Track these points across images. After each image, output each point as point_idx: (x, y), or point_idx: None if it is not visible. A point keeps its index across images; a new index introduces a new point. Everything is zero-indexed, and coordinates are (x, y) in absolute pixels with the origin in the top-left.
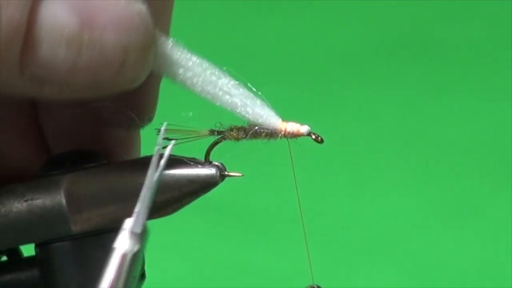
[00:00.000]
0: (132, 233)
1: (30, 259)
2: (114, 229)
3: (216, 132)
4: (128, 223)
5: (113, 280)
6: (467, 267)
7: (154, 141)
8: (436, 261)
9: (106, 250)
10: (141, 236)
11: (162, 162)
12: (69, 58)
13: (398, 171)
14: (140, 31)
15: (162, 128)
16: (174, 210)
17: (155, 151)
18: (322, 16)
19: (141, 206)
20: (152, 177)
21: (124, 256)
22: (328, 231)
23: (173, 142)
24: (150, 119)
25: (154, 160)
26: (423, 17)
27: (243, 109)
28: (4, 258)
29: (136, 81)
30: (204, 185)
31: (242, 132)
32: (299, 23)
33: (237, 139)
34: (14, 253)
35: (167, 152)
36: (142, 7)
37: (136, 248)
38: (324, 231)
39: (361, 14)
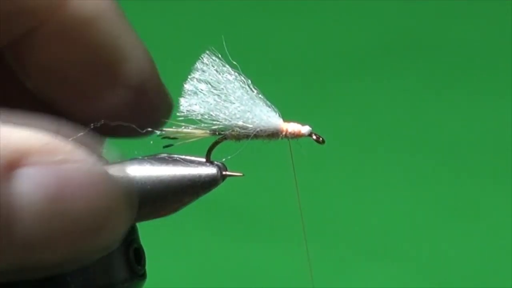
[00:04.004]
0: None
1: None
2: None
3: (217, 132)
4: None
5: None
6: (467, 267)
7: (156, 141)
8: (436, 261)
9: None
10: None
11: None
12: (44, 232)
13: (398, 171)
14: (107, 193)
15: None
16: (175, 210)
17: None
18: (322, 16)
19: None
20: None
21: None
22: (328, 231)
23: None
24: (169, 111)
25: None
26: (423, 16)
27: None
28: None
29: (116, 239)
30: (205, 185)
31: (243, 132)
32: (300, 23)
33: (238, 139)
34: None
35: None
36: (101, 167)
37: None
38: (324, 231)
39: (362, 14)
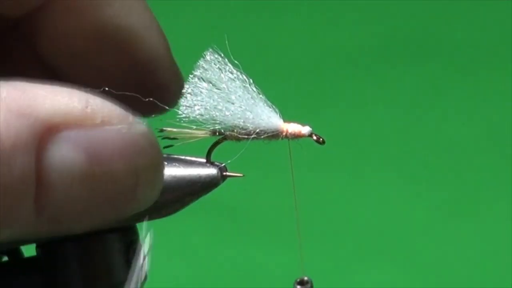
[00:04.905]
0: None
1: (31, 259)
2: (116, 229)
3: (217, 133)
4: None
5: None
6: (467, 267)
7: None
8: (436, 261)
9: (108, 250)
10: None
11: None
12: (83, 195)
13: (397, 171)
14: (147, 151)
15: None
16: (176, 210)
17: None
18: (323, 16)
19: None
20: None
21: None
22: (328, 231)
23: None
24: (180, 88)
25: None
26: (423, 16)
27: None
28: (5, 258)
29: (152, 200)
30: (205, 186)
31: (244, 133)
32: (300, 23)
33: (238, 139)
34: (15, 254)
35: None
36: (142, 127)
37: None
38: (324, 231)
39: (362, 14)
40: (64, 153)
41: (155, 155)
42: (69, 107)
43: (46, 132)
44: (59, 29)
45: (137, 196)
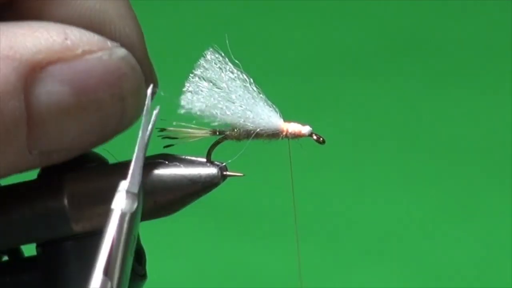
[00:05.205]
0: (129, 193)
1: (31, 259)
2: None
3: (217, 132)
4: (124, 184)
5: (114, 240)
6: (467, 267)
7: (156, 141)
8: (436, 261)
9: None
10: (138, 196)
11: (153, 118)
12: (72, 126)
13: (397, 171)
14: (130, 75)
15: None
16: (175, 210)
17: (144, 108)
18: (323, 16)
19: (135, 166)
20: (144, 136)
21: (123, 216)
22: (328, 231)
23: (158, 107)
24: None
25: (144, 118)
26: (423, 16)
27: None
28: (6, 258)
29: (137, 117)
30: (205, 185)
31: (244, 132)
32: (300, 23)
33: (239, 139)
34: (15, 253)
35: (155, 113)
36: (122, 50)
37: (134, 207)
38: (324, 231)
39: (362, 14)
40: (50, 89)
41: (138, 77)
42: (50, 42)
43: (32, 71)
44: (32, 15)
45: (123, 119)
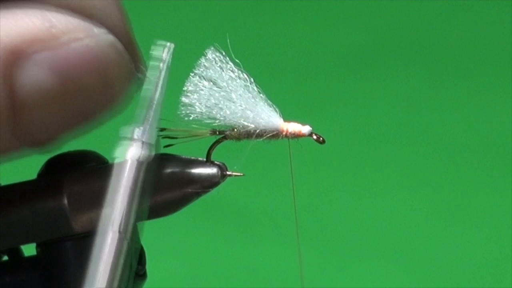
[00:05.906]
0: (145, 143)
1: (31, 259)
2: None
3: (217, 132)
4: (137, 132)
5: (129, 191)
6: (467, 267)
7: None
8: (435, 261)
9: None
10: (154, 146)
11: (165, 65)
12: (60, 115)
13: (397, 171)
14: (117, 61)
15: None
16: (175, 209)
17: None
18: (323, 16)
19: (153, 115)
20: (158, 84)
21: (140, 164)
22: (328, 231)
23: (172, 45)
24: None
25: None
26: (423, 16)
27: (244, 117)
28: (5, 258)
29: (127, 101)
30: (205, 185)
31: (244, 132)
32: (301, 23)
33: (239, 139)
34: (15, 253)
35: (165, 54)
36: (108, 36)
37: (150, 157)
38: (324, 231)
39: (362, 14)
40: (35, 77)
41: (125, 63)
42: (34, 30)
43: (16, 60)
44: None
45: (112, 106)
